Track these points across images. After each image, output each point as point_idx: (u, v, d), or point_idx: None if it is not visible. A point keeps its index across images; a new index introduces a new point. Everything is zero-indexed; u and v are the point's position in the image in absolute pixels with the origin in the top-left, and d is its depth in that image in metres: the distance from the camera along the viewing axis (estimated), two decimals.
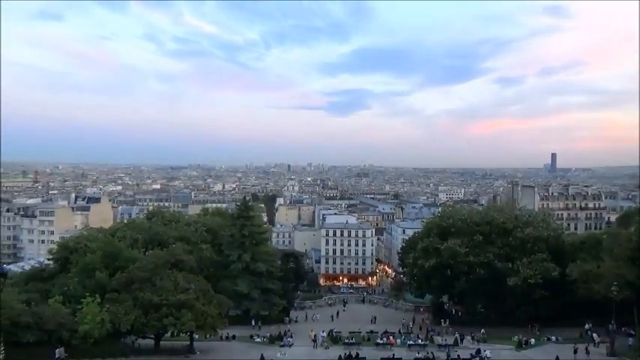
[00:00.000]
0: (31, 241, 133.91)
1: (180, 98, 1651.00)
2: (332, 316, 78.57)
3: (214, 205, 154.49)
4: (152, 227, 69.84)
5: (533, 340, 54.84)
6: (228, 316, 55.29)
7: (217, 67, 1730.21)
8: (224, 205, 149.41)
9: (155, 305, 42.80)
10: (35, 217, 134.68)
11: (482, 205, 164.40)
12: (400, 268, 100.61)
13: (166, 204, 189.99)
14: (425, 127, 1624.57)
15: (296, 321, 74.38)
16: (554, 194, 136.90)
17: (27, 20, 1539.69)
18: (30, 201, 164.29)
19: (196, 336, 48.49)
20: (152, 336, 46.76)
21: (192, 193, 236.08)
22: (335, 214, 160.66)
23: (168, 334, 46.15)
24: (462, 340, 55.81)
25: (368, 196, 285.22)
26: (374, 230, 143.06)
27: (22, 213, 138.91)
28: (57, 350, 38.36)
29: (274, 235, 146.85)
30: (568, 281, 58.51)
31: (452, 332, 62.17)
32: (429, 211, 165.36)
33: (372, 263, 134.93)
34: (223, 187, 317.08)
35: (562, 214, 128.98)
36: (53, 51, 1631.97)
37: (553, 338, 55.89)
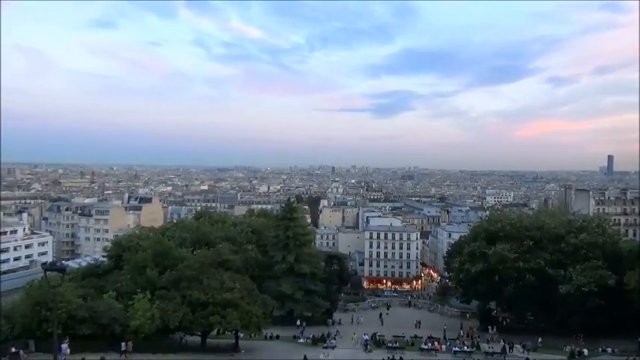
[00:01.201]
0: (88, 238, 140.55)
1: (227, 102, 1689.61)
2: (381, 320, 77.96)
3: (259, 206, 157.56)
4: (200, 227, 71.69)
5: (586, 351, 52.32)
6: (272, 317, 55.91)
7: (263, 70, 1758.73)
8: (269, 207, 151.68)
9: (202, 303, 43.80)
10: (91, 216, 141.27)
11: (532, 209, 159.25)
12: (446, 273, 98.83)
13: (213, 205, 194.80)
14: (471, 128, 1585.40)
15: (339, 323, 74.29)
16: (611, 198, 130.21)
17: (83, 29, 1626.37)
18: (87, 200, 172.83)
19: (241, 334, 49.34)
20: (199, 333, 47.91)
21: (239, 194, 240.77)
22: (379, 216, 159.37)
23: (214, 331, 47.10)
24: (511, 348, 54.07)
25: (413, 198, 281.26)
26: (419, 233, 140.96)
27: (79, 212, 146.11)
28: (123, 343, 39.87)
29: (318, 236, 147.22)
30: (625, 290, 55.56)
31: (497, 340, 60.44)
32: (476, 214, 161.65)
33: (416, 267, 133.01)
34: (268, 188, 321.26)
35: (619, 219, 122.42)
36: (108, 57, 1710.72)
37: (609, 350, 53.15)
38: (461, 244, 78.41)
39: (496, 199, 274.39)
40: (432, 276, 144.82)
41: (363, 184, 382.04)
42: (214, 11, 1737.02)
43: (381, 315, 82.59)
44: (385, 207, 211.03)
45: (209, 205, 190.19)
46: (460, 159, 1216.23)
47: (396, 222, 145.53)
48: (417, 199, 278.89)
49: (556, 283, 60.84)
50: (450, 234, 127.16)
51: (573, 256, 63.62)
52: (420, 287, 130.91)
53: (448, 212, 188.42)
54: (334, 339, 57.80)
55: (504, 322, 73.43)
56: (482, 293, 72.05)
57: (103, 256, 64.89)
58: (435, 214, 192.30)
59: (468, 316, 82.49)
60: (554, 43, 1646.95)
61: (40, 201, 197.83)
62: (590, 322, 59.22)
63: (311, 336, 58.53)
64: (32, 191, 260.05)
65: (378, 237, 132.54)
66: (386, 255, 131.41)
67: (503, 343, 55.88)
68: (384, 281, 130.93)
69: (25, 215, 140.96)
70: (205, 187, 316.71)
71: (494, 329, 67.26)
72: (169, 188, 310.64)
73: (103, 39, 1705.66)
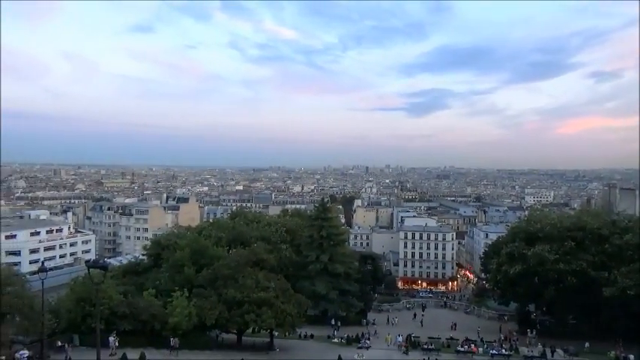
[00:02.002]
0: (128, 237, 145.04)
1: (261, 102, 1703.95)
2: (421, 322, 77.04)
3: (293, 206, 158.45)
4: (235, 227, 72.57)
5: (632, 357, 50.20)
6: (307, 316, 56.10)
7: (296, 71, 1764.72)
8: (303, 206, 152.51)
9: (238, 302, 44.39)
10: (132, 215, 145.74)
11: (574, 209, 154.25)
12: (482, 274, 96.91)
13: (248, 204, 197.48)
14: (509, 126, 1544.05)
15: (374, 323, 73.98)
16: None
17: (124, 34, 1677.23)
18: (127, 200, 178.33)
19: (276, 333, 49.79)
20: (235, 331, 48.63)
21: (273, 194, 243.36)
22: (414, 216, 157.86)
23: (250, 330, 47.70)
24: (552, 352, 52.54)
25: (448, 198, 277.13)
26: (454, 234, 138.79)
27: (120, 211, 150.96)
28: (172, 339, 40.95)
29: (352, 236, 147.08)
30: None
31: (536, 343, 58.78)
32: (514, 214, 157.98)
33: (452, 268, 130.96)
34: (302, 188, 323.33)
35: None
36: (146, 61, 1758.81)
37: None
38: (498, 245, 76.66)
39: (535, 199, 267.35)
40: (468, 277, 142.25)
41: (397, 183, 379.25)
42: (248, 13, 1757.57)
43: (415, 315, 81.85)
44: (420, 207, 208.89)
45: (244, 204, 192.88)
46: (497, 158, 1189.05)
47: (432, 222, 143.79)
48: (453, 198, 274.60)
49: (599, 286, 58.61)
50: (487, 234, 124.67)
51: (618, 257, 61.13)
52: (455, 288, 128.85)
53: (485, 212, 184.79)
54: (369, 339, 57.58)
55: (543, 326, 71.35)
56: (520, 295, 70.22)
57: (143, 255, 66.63)
58: (472, 214, 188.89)
59: (505, 318, 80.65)
60: (595, 37, 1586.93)
61: (83, 201, 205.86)
62: (636, 326, 56.80)
63: (345, 336, 58.48)
64: (76, 191, 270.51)
65: (413, 237, 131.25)
66: (421, 255, 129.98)
67: (542, 347, 54.33)
68: (419, 282, 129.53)
69: (70, 214, 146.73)
70: (240, 188, 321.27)
71: (534, 332, 65.42)
72: (206, 188, 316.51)
73: (142, 43, 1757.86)
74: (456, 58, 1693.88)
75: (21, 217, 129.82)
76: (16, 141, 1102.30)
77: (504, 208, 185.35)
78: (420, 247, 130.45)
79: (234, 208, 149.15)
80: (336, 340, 57.74)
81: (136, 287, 49.26)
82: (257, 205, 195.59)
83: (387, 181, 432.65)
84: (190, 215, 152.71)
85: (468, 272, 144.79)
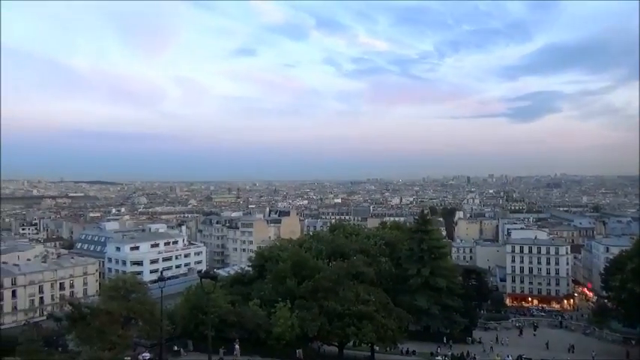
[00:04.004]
0: (235, 249, 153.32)
1: (357, 115, 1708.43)
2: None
3: (392, 218, 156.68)
4: (334, 239, 73.31)
5: None
6: (408, 332, 55.05)
7: (391, 82, 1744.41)
8: (402, 219, 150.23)
9: (338, 314, 44.78)
10: (238, 228, 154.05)
11: None
12: (604, 292, 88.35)
13: (347, 217, 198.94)
14: (630, 128, 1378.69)
15: (479, 342, 70.46)
16: None
17: (228, 58, 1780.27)
18: (234, 214, 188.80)
19: (377, 348, 49.41)
20: (336, 343, 49.09)
21: (371, 207, 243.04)
22: (522, 228, 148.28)
23: (351, 343, 47.80)
24: None
25: (560, 208, 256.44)
26: (569, 247, 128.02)
27: (228, 225, 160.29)
28: (297, 351, 42.61)
29: (454, 250, 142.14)
30: None
31: None
32: None
33: (567, 284, 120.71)
34: (401, 200, 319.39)
35: None
36: (248, 82, 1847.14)
37: None
38: (622, 260, 69.74)
39: None
40: (586, 295, 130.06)
41: (502, 193, 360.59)
42: (342, 29, 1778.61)
43: (521, 332, 77.02)
44: (528, 218, 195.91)
45: (343, 217, 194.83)
46: (617, 163, 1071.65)
47: (542, 234, 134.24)
48: (566, 209, 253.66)
49: None
50: (607, 248, 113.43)
51: None
52: (572, 307, 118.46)
53: (604, 224, 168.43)
54: (474, 358, 54.99)
55: None
56: None
57: (248, 266, 69.88)
58: (588, 225, 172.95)
59: (633, 342, 72.39)
60: None
61: (195, 215, 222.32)
62: None
63: (449, 354, 56.44)
64: (189, 206, 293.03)
65: (522, 251, 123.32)
66: (531, 270, 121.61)
67: None
68: (530, 299, 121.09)
69: (184, 228, 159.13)
70: (339, 201, 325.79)
71: None
72: (305, 202, 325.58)
73: (245, 65, 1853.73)
74: (563, 57, 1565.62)
75: (143, 231, 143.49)
76: (139, 161, 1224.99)
77: (627, 219, 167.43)
78: (530, 262, 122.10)
79: (333, 221, 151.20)
80: (439, 357, 55.89)
81: (242, 297, 51.63)
82: (355, 218, 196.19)
83: (491, 191, 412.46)
84: (291, 228, 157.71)
85: (585, 289, 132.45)
